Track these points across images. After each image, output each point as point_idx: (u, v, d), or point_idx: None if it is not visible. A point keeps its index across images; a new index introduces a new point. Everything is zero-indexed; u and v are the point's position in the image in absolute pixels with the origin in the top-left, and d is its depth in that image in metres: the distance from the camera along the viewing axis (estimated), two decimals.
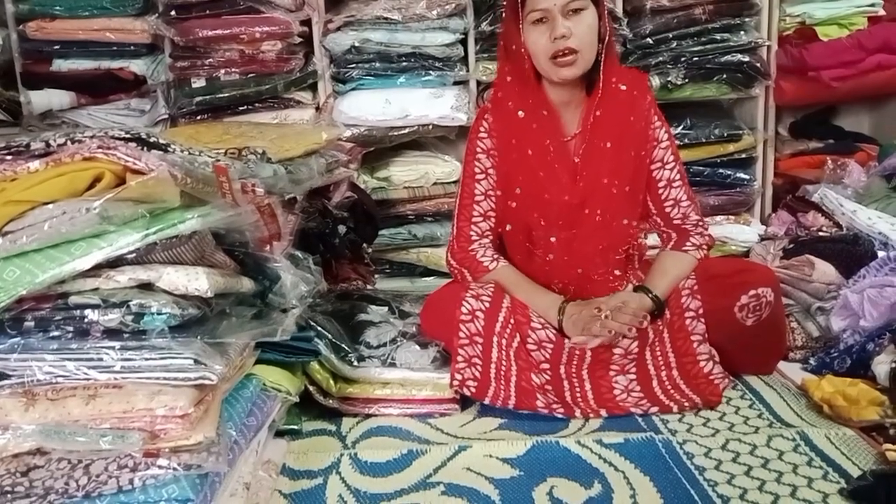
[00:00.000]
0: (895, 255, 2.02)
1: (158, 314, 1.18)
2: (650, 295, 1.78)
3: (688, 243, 1.87)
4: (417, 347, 1.83)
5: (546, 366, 1.76)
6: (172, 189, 1.22)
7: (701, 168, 2.76)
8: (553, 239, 1.84)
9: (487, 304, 1.75)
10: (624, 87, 1.81)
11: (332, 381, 1.76)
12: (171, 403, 1.18)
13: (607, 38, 1.77)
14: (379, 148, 2.77)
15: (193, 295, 1.23)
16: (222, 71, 2.70)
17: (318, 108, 2.79)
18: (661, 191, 1.89)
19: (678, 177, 1.89)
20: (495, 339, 1.73)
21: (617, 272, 1.87)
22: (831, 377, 1.75)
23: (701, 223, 1.90)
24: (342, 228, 2.12)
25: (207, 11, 2.66)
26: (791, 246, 2.36)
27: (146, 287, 1.22)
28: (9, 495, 1.16)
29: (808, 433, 1.58)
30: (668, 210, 1.89)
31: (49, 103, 2.72)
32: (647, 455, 1.53)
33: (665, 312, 1.80)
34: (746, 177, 2.82)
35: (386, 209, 2.72)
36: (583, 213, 1.82)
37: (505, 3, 1.91)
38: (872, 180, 2.62)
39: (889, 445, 1.46)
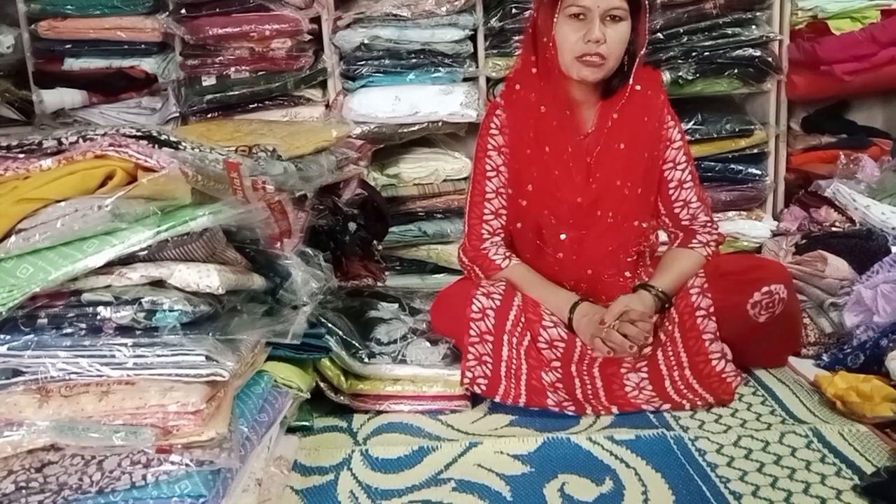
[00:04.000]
0: None
1: (170, 311, 1.18)
2: (652, 291, 1.77)
3: (693, 241, 1.86)
4: (428, 344, 1.83)
5: (557, 364, 1.75)
6: (183, 186, 1.23)
7: (712, 163, 2.75)
8: (563, 237, 1.83)
9: (498, 303, 1.75)
10: (638, 87, 1.80)
11: (343, 378, 1.76)
12: (183, 400, 1.18)
13: (641, 51, 1.77)
14: (389, 145, 2.77)
15: (205, 292, 1.24)
16: (232, 69, 2.72)
17: (328, 106, 2.79)
18: (671, 191, 1.88)
19: (689, 177, 1.88)
20: (506, 337, 1.73)
21: (627, 273, 1.86)
22: (844, 373, 1.73)
23: (710, 223, 1.89)
24: (352, 225, 2.12)
25: (217, 9, 2.67)
26: (803, 241, 2.35)
27: (158, 284, 1.23)
28: (23, 491, 1.17)
29: (821, 430, 1.57)
30: (677, 211, 1.88)
31: (61, 102, 2.74)
32: (658, 451, 1.53)
33: (671, 306, 1.79)
34: (758, 172, 2.80)
35: (396, 206, 2.72)
36: (594, 214, 1.82)
37: None
38: (886, 175, 2.60)
39: None
